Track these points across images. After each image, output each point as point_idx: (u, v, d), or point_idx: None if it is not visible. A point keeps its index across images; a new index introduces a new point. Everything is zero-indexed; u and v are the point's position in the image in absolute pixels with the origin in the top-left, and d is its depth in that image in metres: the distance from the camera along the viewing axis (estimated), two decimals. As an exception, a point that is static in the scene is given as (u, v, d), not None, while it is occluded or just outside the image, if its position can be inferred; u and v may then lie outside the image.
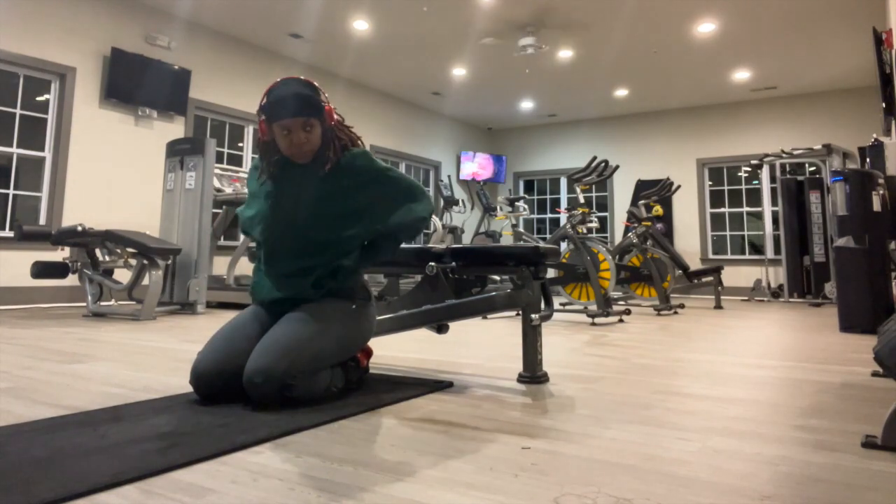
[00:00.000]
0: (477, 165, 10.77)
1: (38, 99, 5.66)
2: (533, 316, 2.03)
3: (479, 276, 2.24)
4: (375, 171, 1.86)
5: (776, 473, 1.15)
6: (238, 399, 1.66)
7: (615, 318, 4.63)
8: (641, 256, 5.87)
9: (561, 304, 5.05)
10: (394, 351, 2.77)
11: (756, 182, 9.18)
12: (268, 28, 6.80)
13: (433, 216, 1.88)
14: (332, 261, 1.84)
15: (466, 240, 9.71)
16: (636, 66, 7.86)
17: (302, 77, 1.82)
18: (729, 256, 9.28)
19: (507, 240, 8.37)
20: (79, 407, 1.59)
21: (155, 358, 2.49)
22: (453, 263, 2.17)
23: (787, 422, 1.54)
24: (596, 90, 8.94)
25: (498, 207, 7.97)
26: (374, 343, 2.96)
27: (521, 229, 6.06)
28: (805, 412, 1.65)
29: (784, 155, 7.08)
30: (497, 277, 4.83)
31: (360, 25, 6.68)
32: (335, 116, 1.86)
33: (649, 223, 5.93)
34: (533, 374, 2.04)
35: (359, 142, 1.92)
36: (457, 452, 1.26)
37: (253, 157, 7.39)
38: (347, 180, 1.84)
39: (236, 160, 7.23)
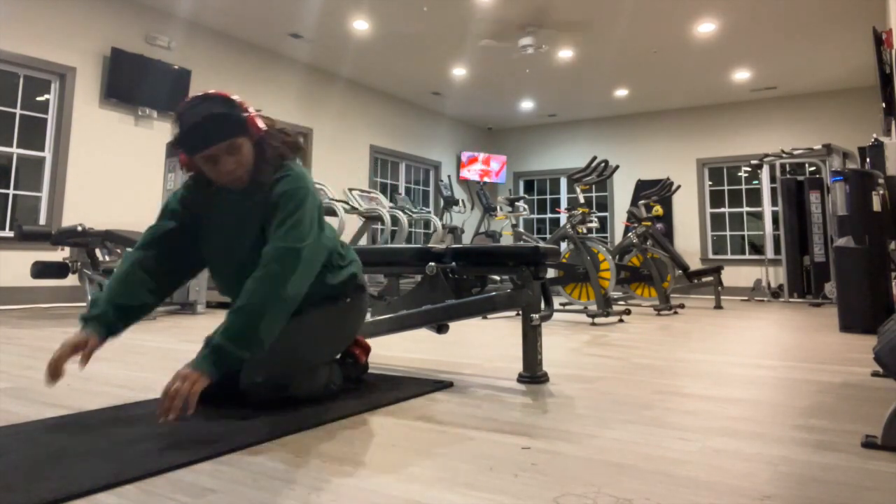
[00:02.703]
0: (482, 165, 10.78)
1: (38, 99, 5.66)
2: (533, 316, 2.03)
3: (479, 276, 2.24)
4: (287, 202, 1.56)
5: (776, 473, 1.15)
6: (238, 399, 1.66)
7: (615, 318, 4.63)
8: (641, 256, 5.87)
9: (561, 304, 5.05)
10: (394, 351, 2.77)
11: (756, 182, 9.18)
12: (268, 28, 6.80)
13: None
14: None
15: (466, 240, 9.71)
16: (636, 66, 7.86)
17: (212, 91, 1.58)
18: (729, 256, 9.28)
19: (507, 240, 8.37)
20: (79, 407, 1.59)
21: (155, 358, 2.49)
22: (453, 263, 2.17)
23: (787, 422, 1.54)
24: (596, 90, 8.94)
25: (498, 207, 7.96)
26: (375, 343, 2.96)
27: (521, 229, 6.06)
28: (805, 412, 1.65)
29: (784, 155, 7.08)
30: (497, 277, 4.83)
31: (360, 25, 6.68)
32: (261, 125, 1.60)
33: (649, 223, 5.93)
34: (533, 374, 2.04)
35: (297, 146, 1.68)
36: (457, 452, 1.26)
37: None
38: (272, 201, 1.59)
39: (236, 160, 7.22)
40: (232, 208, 1.65)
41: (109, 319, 1.53)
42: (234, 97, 1.58)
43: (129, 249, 1.63)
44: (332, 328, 1.76)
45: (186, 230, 1.69)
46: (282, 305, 1.46)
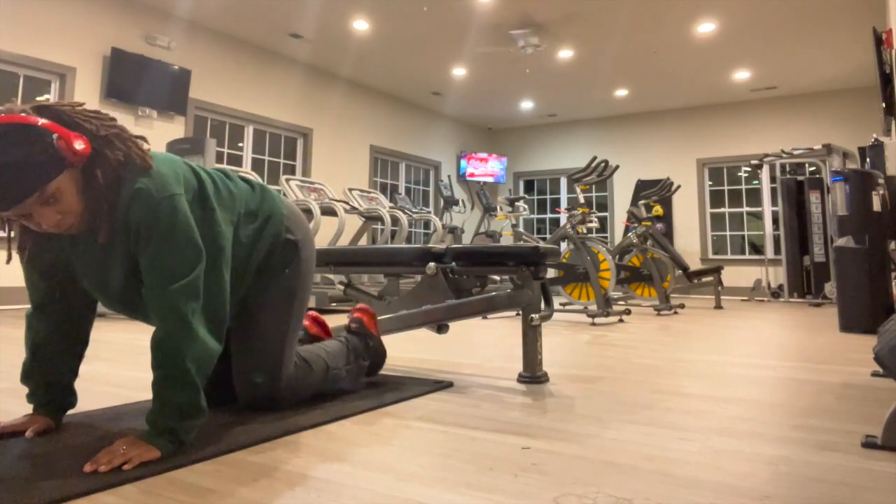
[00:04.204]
0: (484, 168, 10.80)
1: (38, 99, 5.66)
2: (533, 316, 2.03)
3: (479, 276, 2.24)
4: (148, 232, 1.22)
5: (776, 473, 1.15)
6: (235, 400, 1.65)
7: (615, 318, 4.63)
8: (641, 256, 5.87)
9: (561, 304, 5.05)
10: (394, 351, 2.77)
11: (756, 182, 9.18)
12: (268, 28, 6.80)
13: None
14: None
15: (466, 240, 9.71)
16: (636, 66, 7.86)
17: (0, 113, 1.11)
18: (729, 256, 9.28)
19: (507, 240, 8.37)
20: (79, 407, 1.58)
21: (155, 358, 2.48)
22: (453, 263, 2.17)
23: (787, 422, 1.54)
24: (596, 90, 8.94)
25: (498, 207, 7.96)
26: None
27: (521, 229, 6.06)
28: (805, 412, 1.65)
29: (784, 155, 7.08)
30: (497, 277, 4.83)
31: (360, 25, 6.68)
32: (80, 146, 1.14)
33: (649, 223, 5.93)
34: (533, 374, 2.04)
35: (143, 153, 1.25)
36: (457, 452, 1.26)
37: (254, 157, 7.39)
38: (132, 234, 1.24)
39: (236, 160, 7.24)
40: (87, 250, 1.30)
41: (58, 400, 1.39)
42: (37, 120, 1.11)
43: (27, 310, 1.40)
44: (289, 306, 1.58)
45: (64, 268, 1.38)
46: (195, 355, 1.23)
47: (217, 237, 1.35)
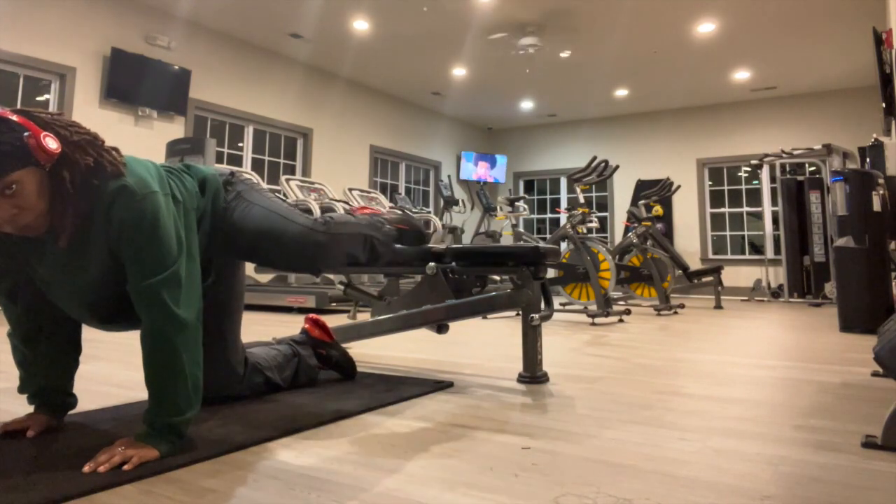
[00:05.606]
0: (481, 169, 10.79)
1: (38, 99, 5.66)
2: (533, 316, 2.03)
3: (479, 276, 2.24)
4: (135, 232, 1.23)
5: (776, 473, 1.15)
6: (237, 399, 1.66)
7: (615, 318, 4.63)
8: (641, 256, 5.86)
9: (561, 304, 5.05)
10: (394, 351, 2.77)
11: (756, 182, 9.18)
12: (268, 28, 6.80)
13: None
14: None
15: (466, 240, 9.71)
16: (636, 66, 7.86)
17: None
18: (729, 256, 9.28)
19: (507, 240, 8.37)
20: (79, 407, 1.58)
21: (155, 358, 2.48)
22: (453, 263, 2.17)
23: (787, 422, 1.54)
24: (596, 90, 8.94)
25: (498, 207, 7.96)
26: (374, 343, 2.96)
27: (521, 229, 6.06)
28: (805, 412, 1.65)
29: (784, 155, 7.08)
30: (497, 277, 4.83)
31: (360, 25, 6.68)
32: (53, 146, 1.15)
33: (649, 223, 5.93)
34: (533, 374, 2.04)
35: (115, 160, 1.25)
36: (457, 452, 1.26)
37: (254, 157, 7.39)
38: (113, 231, 1.24)
39: (236, 160, 7.23)
40: (55, 258, 1.28)
41: (57, 401, 1.41)
42: (10, 115, 1.14)
43: (7, 330, 1.42)
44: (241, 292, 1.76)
45: (29, 288, 1.39)
46: (184, 340, 1.24)
47: (189, 232, 1.38)
